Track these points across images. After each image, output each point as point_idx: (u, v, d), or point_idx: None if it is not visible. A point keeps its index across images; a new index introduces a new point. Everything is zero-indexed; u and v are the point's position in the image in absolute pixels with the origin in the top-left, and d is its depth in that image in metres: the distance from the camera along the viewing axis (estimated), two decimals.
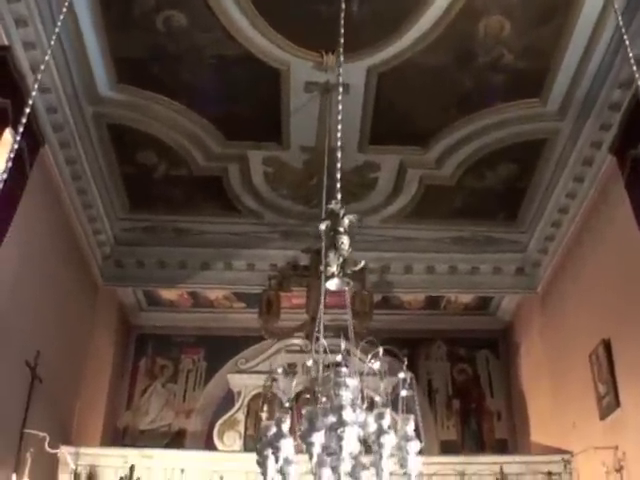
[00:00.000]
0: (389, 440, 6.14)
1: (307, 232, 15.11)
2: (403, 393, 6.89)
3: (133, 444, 15.89)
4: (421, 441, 6.64)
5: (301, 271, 15.86)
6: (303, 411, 6.16)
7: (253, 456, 13.54)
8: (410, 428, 6.66)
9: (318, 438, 5.95)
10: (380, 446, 6.08)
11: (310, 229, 14.78)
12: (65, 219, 14.43)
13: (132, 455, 14.47)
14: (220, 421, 15.12)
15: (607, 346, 12.48)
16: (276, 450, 6.45)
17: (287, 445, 6.47)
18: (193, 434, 17.08)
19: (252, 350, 15.87)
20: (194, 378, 18.07)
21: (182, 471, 14.17)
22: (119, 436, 17.21)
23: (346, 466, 5.86)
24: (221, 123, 13.28)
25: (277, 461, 6.45)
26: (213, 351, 17.49)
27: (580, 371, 13.44)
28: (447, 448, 16.59)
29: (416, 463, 6.59)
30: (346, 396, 6.04)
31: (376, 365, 6.97)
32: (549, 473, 13.94)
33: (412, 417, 6.77)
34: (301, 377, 15.66)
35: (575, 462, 13.71)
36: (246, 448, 14.78)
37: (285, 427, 6.64)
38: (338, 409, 5.90)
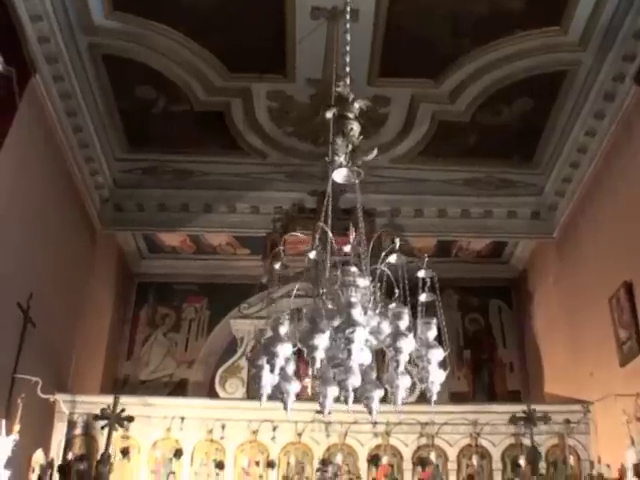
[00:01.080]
0: (407, 344, 5.45)
1: (313, 173, 14.55)
2: (423, 297, 6.20)
3: (133, 394, 15.38)
4: (445, 349, 5.89)
5: (307, 214, 15.36)
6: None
7: (256, 404, 13.19)
8: (432, 334, 5.85)
9: (322, 341, 5.29)
10: (397, 351, 5.40)
11: (317, 169, 14.22)
12: (60, 158, 13.84)
13: (131, 403, 13.90)
14: (222, 368, 14.59)
15: (629, 288, 11.89)
16: (272, 357, 5.76)
17: (285, 350, 5.84)
18: (195, 384, 16.64)
19: (256, 297, 15.28)
20: (196, 327, 17.62)
21: (182, 419, 13.68)
22: (119, 387, 16.76)
23: (355, 380, 5.28)
24: (223, 54, 12.59)
25: (273, 370, 5.78)
26: (216, 299, 17.01)
27: (599, 317, 12.88)
28: (458, 400, 16.06)
29: (439, 375, 5.80)
30: (356, 296, 5.44)
31: (392, 258, 6.21)
32: (567, 421, 13.42)
33: (434, 321, 6.05)
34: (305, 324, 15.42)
35: (593, 411, 13.18)
36: (249, 396, 14.24)
37: (282, 330, 6.01)
38: (347, 307, 5.29)
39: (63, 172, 14.07)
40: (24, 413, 11.04)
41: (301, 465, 13.19)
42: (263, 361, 5.84)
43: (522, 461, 13.00)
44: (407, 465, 13.38)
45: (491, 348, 17.18)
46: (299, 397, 13.66)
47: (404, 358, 5.49)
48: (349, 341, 5.15)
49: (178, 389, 16.41)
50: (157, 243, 17.62)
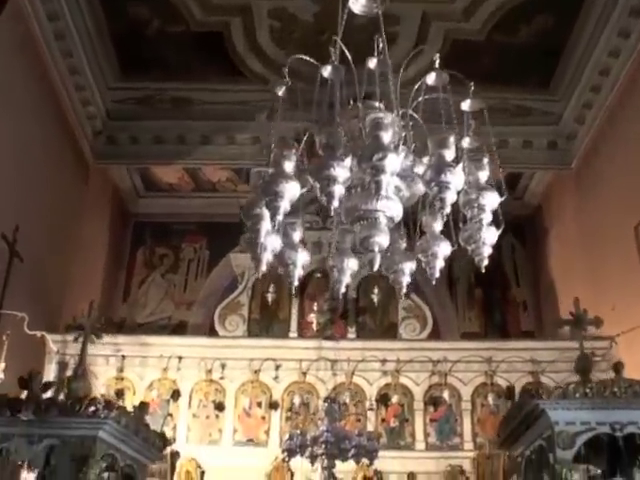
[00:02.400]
0: (456, 179, 4.34)
1: (319, 100, 13.57)
2: (466, 105, 4.91)
3: None
4: (501, 194, 4.76)
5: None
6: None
7: (258, 342, 12.55)
8: (483, 175, 4.75)
9: (341, 172, 4.12)
10: (441, 187, 4.24)
11: (323, 96, 13.26)
12: (49, 86, 12.99)
13: (125, 343, 13.25)
14: (222, 305, 13.80)
15: None
16: (274, 199, 4.44)
17: (291, 190, 4.50)
18: (194, 326, 15.76)
19: None
20: (196, 267, 16.72)
21: (180, 359, 12.98)
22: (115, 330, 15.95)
23: (382, 238, 4.22)
24: None
25: (274, 217, 4.48)
26: (216, 239, 16.01)
27: (623, 246, 12.05)
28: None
29: (491, 234, 4.95)
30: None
31: (430, 78, 5.08)
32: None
33: (485, 159, 4.82)
34: (311, 257, 14.56)
35: (616, 346, 12.38)
36: (250, 333, 13.57)
37: (288, 165, 4.70)
38: (374, 129, 4.19)
39: (52, 101, 13.23)
40: (12, 352, 10.29)
41: (306, 406, 12.44)
42: (262, 208, 4.57)
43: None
44: (418, 405, 12.68)
45: (504, 287, 16.31)
46: (303, 333, 13.23)
47: (450, 198, 4.33)
48: (377, 171, 3.94)
49: (177, 331, 15.51)
50: (153, 180, 16.71)
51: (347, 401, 12.06)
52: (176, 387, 12.89)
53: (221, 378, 12.87)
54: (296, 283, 5.04)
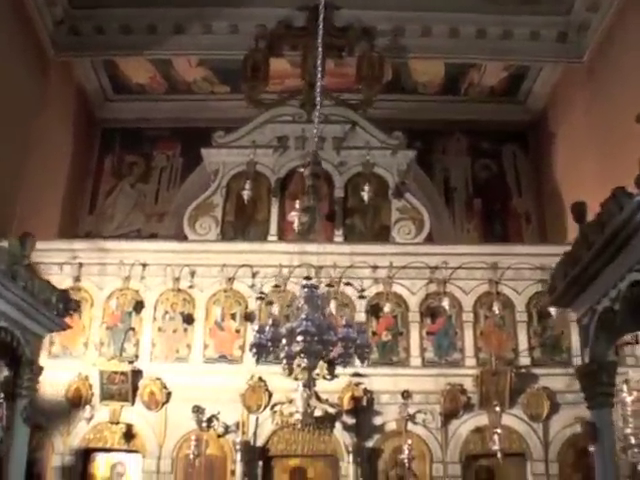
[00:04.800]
0: None
1: None
2: None
3: None
4: None
5: (296, 32, 12.27)
6: None
7: (232, 246, 10.36)
8: None
9: None
10: None
11: None
12: None
13: (82, 249, 11.22)
14: (192, 206, 11.59)
15: None
16: None
17: None
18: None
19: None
20: (168, 176, 14.64)
21: (144, 267, 10.96)
22: None
23: None
24: None
25: None
26: (191, 145, 13.60)
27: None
28: None
29: None
30: None
31: None
32: None
33: None
34: (293, 152, 12.64)
35: None
36: (224, 237, 11.45)
37: None
38: None
39: None
40: None
41: (286, 318, 10.31)
42: None
43: (553, 310, 10.26)
44: (414, 316, 10.73)
45: (504, 197, 14.31)
46: (284, 236, 11.03)
47: None
48: None
49: None
50: (123, 81, 14.52)
51: (333, 312, 9.89)
52: (139, 298, 10.94)
53: (190, 287, 10.88)
54: None
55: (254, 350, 6.27)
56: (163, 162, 14.72)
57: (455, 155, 14.50)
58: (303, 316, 6.09)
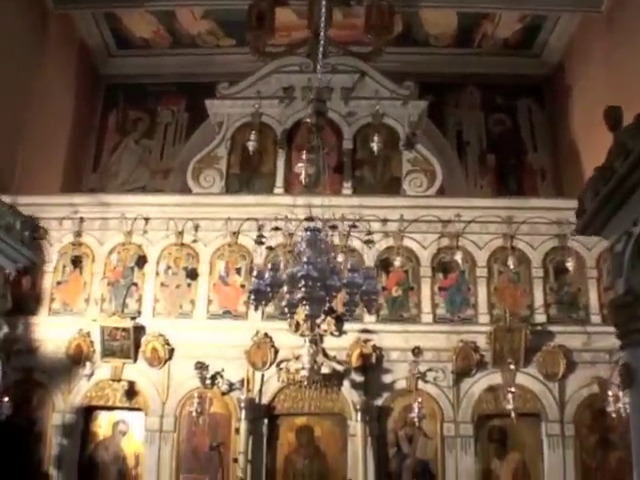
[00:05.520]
0: None
1: None
2: None
3: None
4: None
5: None
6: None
7: (237, 199, 9.81)
8: None
9: None
10: None
11: None
12: None
13: (83, 204, 10.72)
14: (196, 158, 11.05)
15: None
16: None
17: None
18: None
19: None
20: (173, 132, 14.14)
21: (146, 221, 10.45)
22: None
23: None
24: None
25: None
26: (196, 100, 12.93)
27: None
28: None
29: None
30: None
31: None
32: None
33: None
34: (300, 103, 12.02)
35: None
36: (229, 190, 10.91)
37: None
38: None
39: None
40: None
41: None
42: None
43: (570, 265, 9.72)
44: (425, 271, 10.20)
45: (519, 153, 13.72)
46: (290, 189, 10.45)
47: None
48: None
49: None
50: (126, 35, 13.97)
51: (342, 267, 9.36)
52: (142, 252, 10.45)
53: (194, 241, 10.39)
54: None
55: (253, 297, 5.77)
56: (168, 118, 14.23)
57: (468, 109, 13.91)
58: (305, 259, 5.57)
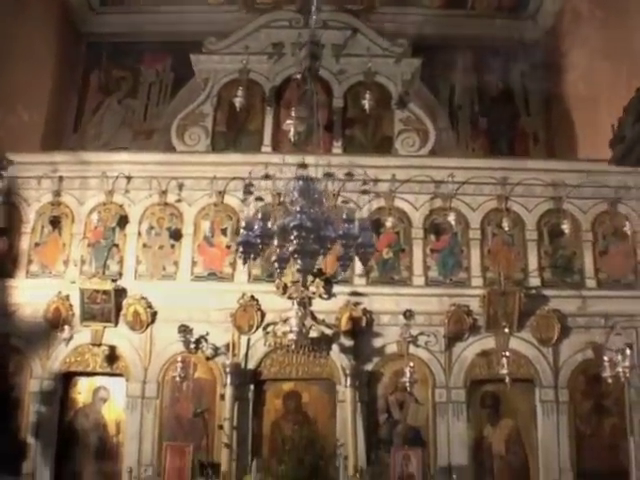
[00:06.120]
0: None
1: None
2: None
3: None
4: None
5: None
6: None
7: (223, 157, 9.61)
8: None
9: None
10: None
11: None
12: None
13: (62, 162, 10.29)
14: (181, 115, 10.60)
15: None
16: None
17: None
18: None
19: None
20: (158, 92, 13.51)
21: (128, 180, 10.06)
22: None
23: None
24: None
25: None
26: (182, 59, 12.32)
27: None
28: None
29: None
30: None
31: None
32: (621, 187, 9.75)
33: None
34: (290, 59, 11.54)
35: None
36: (214, 148, 10.49)
37: None
38: None
39: None
40: None
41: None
42: None
43: (566, 228, 9.37)
44: (417, 232, 9.87)
45: (512, 116, 13.25)
46: (278, 147, 9.97)
47: None
48: None
49: None
50: None
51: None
52: (123, 212, 10.04)
53: (178, 201, 9.98)
54: None
55: (241, 249, 5.33)
56: (152, 77, 13.62)
57: (461, 72, 13.41)
58: (297, 208, 5.13)
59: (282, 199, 5.92)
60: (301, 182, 5.45)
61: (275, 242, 5.46)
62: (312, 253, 5.26)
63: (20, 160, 10.25)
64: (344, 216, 5.33)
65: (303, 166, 5.88)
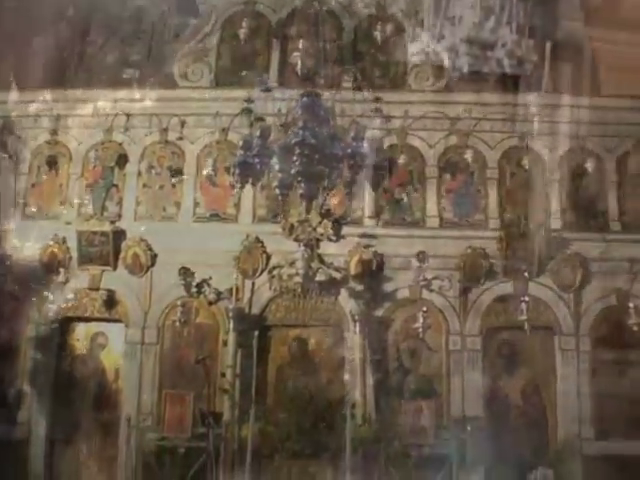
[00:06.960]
0: None
1: None
2: None
3: None
4: None
5: None
6: None
7: (227, 92, 9.02)
8: None
9: None
10: None
11: None
12: None
13: (59, 100, 9.79)
14: (183, 51, 9.98)
15: None
16: None
17: None
18: None
19: None
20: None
21: (127, 117, 9.58)
22: None
23: None
24: None
25: None
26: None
27: None
28: None
29: None
30: None
31: None
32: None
33: None
34: None
35: None
36: (218, 83, 9.89)
37: None
38: None
39: None
40: None
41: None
42: None
43: (589, 167, 8.83)
44: (431, 171, 9.35)
45: None
46: (286, 82, 9.42)
47: None
48: None
49: None
50: None
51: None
52: (122, 151, 9.60)
53: (179, 139, 9.46)
54: None
55: (238, 171, 4.74)
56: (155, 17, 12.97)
57: None
58: (300, 124, 4.52)
59: (285, 119, 5.29)
60: (305, 98, 4.82)
61: (276, 164, 4.86)
62: (317, 176, 4.66)
63: (15, 98, 9.72)
64: (352, 134, 4.71)
65: (308, 92, 5.20)
